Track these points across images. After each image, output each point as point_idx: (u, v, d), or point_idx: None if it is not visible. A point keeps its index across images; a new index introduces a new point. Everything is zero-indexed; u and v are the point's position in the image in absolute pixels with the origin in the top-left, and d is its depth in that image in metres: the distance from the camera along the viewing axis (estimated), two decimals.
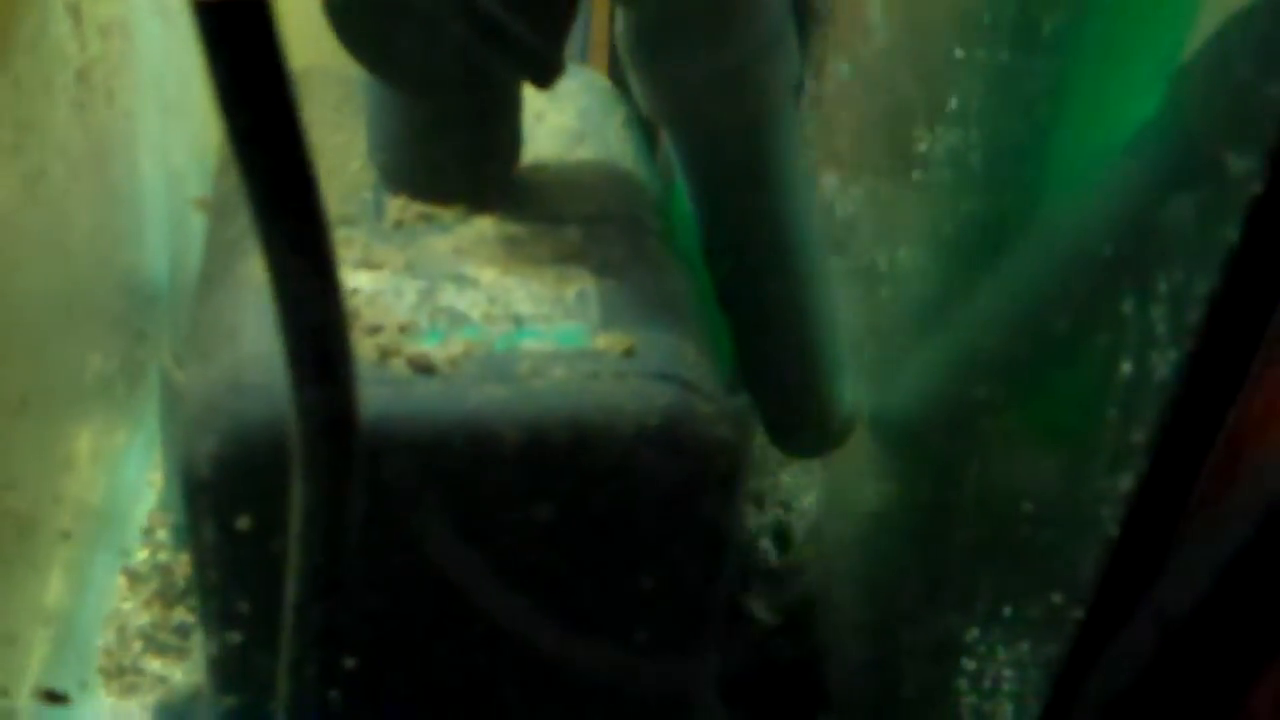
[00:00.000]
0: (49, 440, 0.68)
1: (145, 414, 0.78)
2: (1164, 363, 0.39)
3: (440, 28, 0.47)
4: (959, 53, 0.56)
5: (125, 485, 0.76)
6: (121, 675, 0.70)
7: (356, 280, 0.48)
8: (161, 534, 0.75)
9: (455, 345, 0.46)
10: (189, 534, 0.46)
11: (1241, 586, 0.36)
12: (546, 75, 0.49)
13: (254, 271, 0.48)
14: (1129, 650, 0.41)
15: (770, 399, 0.62)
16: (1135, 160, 0.48)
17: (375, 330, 0.46)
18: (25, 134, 0.57)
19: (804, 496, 0.74)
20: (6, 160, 0.55)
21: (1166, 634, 0.39)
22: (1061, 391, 0.48)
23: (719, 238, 0.58)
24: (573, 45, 0.71)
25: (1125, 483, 0.40)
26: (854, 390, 0.63)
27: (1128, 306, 0.41)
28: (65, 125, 0.61)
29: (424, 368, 0.45)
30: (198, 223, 0.58)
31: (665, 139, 0.57)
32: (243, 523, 0.44)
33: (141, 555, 0.75)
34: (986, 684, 0.49)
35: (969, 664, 0.50)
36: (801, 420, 0.63)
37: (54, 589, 0.69)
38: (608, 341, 0.47)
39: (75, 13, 0.62)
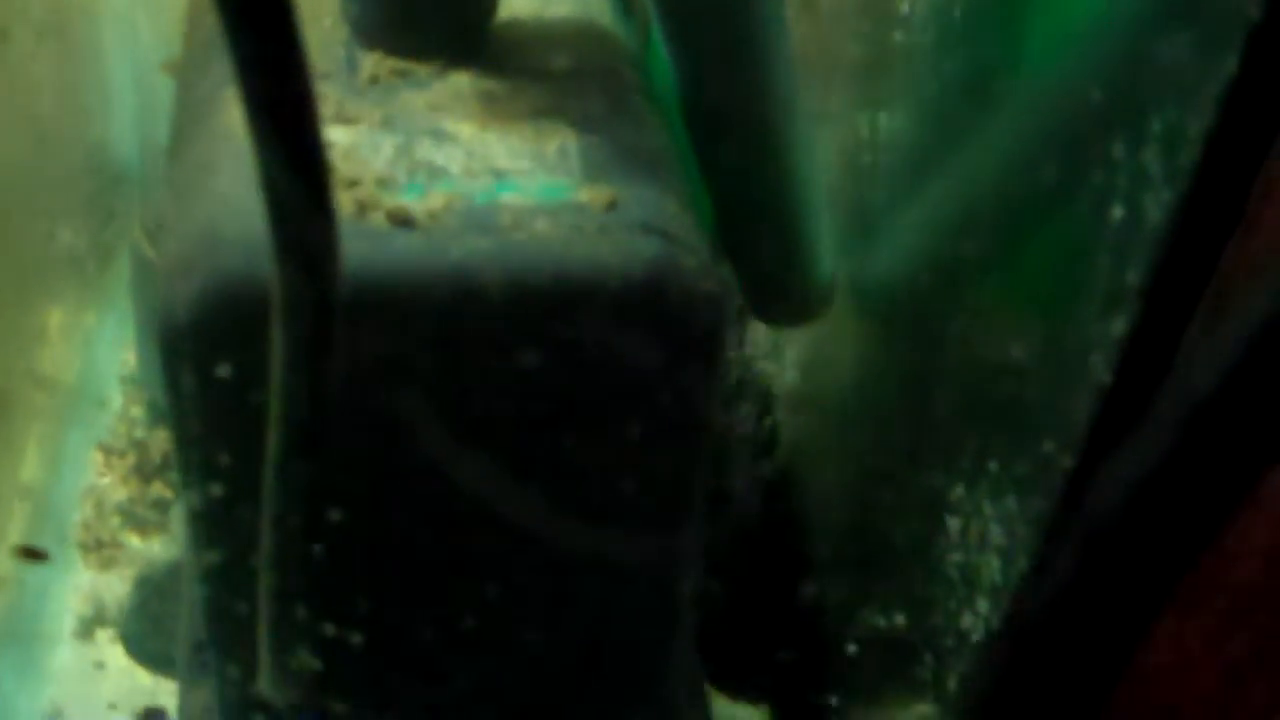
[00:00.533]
0: (18, 314, 0.67)
1: (116, 295, 0.77)
2: (1157, 205, 0.38)
3: None
4: None
5: (98, 363, 0.75)
6: (100, 549, 0.70)
7: (331, 135, 0.47)
8: (136, 411, 0.74)
9: (435, 199, 0.45)
10: (167, 388, 0.45)
11: (1229, 412, 0.36)
12: None
13: (226, 124, 0.47)
14: (1112, 487, 0.41)
15: (750, 266, 0.62)
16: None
17: (352, 184, 0.45)
18: None
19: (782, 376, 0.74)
20: None
21: (1154, 469, 0.39)
22: (1050, 241, 0.47)
23: (698, 97, 0.57)
24: None
25: (1118, 327, 0.39)
26: (834, 257, 0.63)
27: (1118, 150, 0.40)
28: None
29: (403, 221, 0.44)
30: (166, 98, 0.56)
31: None
32: (222, 371, 0.43)
33: (118, 432, 0.74)
34: (973, 540, 0.49)
35: (954, 522, 0.50)
36: (782, 288, 0.63)
37: (29, 464, 0.68)
38: (590, 195, 0.46)
39: None
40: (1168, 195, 0.37)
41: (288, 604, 0.45)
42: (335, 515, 0.44)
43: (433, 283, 0.44)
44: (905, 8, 0.59)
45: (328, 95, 0.49)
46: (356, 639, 0.50)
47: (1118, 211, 0.40)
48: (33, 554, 0.62)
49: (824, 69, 0.65)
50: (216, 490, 0.46)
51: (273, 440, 0.41)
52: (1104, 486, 0.38)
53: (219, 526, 0.47)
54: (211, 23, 0.33)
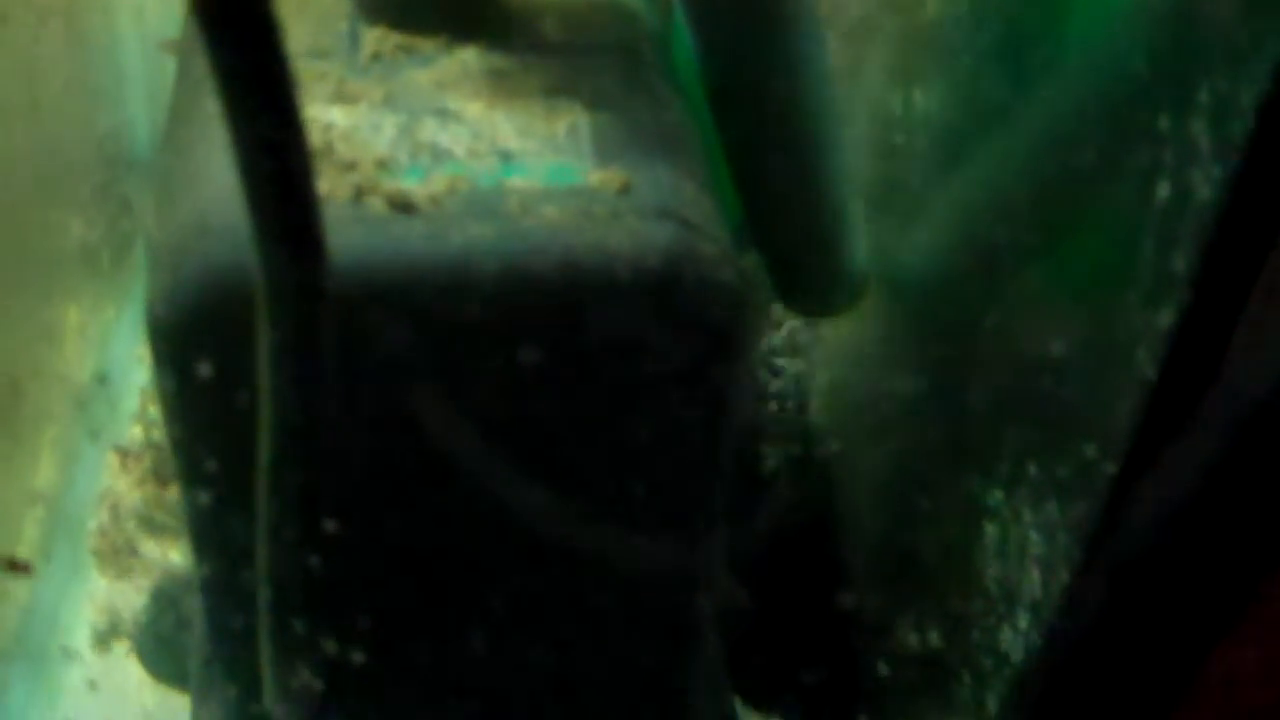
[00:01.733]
0: (32, 312, 0.65)
1: (134, 288, 0.75)
2: (1206, 181, 0.35)
3: None
4: None
5: (114, 361, 0.73)
6: (115, 556, 0.68)
7: (330, 115, 0.45)
8: (153, 411, 0.72)
9: (437, 182, 0.43)
10: (157, 388, 0.43)
11: None
12: None
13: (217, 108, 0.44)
14: (1164, 500, 0.38)
15: (778, 253, 0.59)
16: None
17: (350, 167, 0.43)
18: None
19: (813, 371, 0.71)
20: None
21: (1207, 480, 0.36)
22: (1091, 225, 0.45)
23: (722, 75, 0.54)
24: None
25: (1164, 318, 0.36)
26: (866, 244, 0.60)
27: (1164, 122, 0.37)
28: None
29: (403, 205, 0.42)
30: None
31: None
32: (208, 371, 0.41)
33: (134, 434, 0.72)
34: (1012, 550, 0.46)
35: (992, 529, 0.47)
36: (812, 276, 0.60)
37: (43, 467, 0.66)
38: (601, 178, 0.43)
39: None
40: (1218, 171, 0.35)
41: (287, 618, 0.43)
42: (333, 523, 0.41)
43: (433, 271, 0.41)
44: None
45: (328, 73, 0.47)
46: (360, 654, 0.47)
47: (1163, 190, 0.37)
48: (15, 566, 0.59)
49: (854, 40, 0.63)
50: (209, 497, 0.44)
51: (264, 443, 0.38)
52: (1141, 504, 0.35)
53: (215, 535, 0.45)
54: None
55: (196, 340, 0.41)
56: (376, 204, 0.42)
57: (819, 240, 0.58)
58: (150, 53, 0.69)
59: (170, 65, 0.57)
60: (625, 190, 0.43)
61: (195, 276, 0.41)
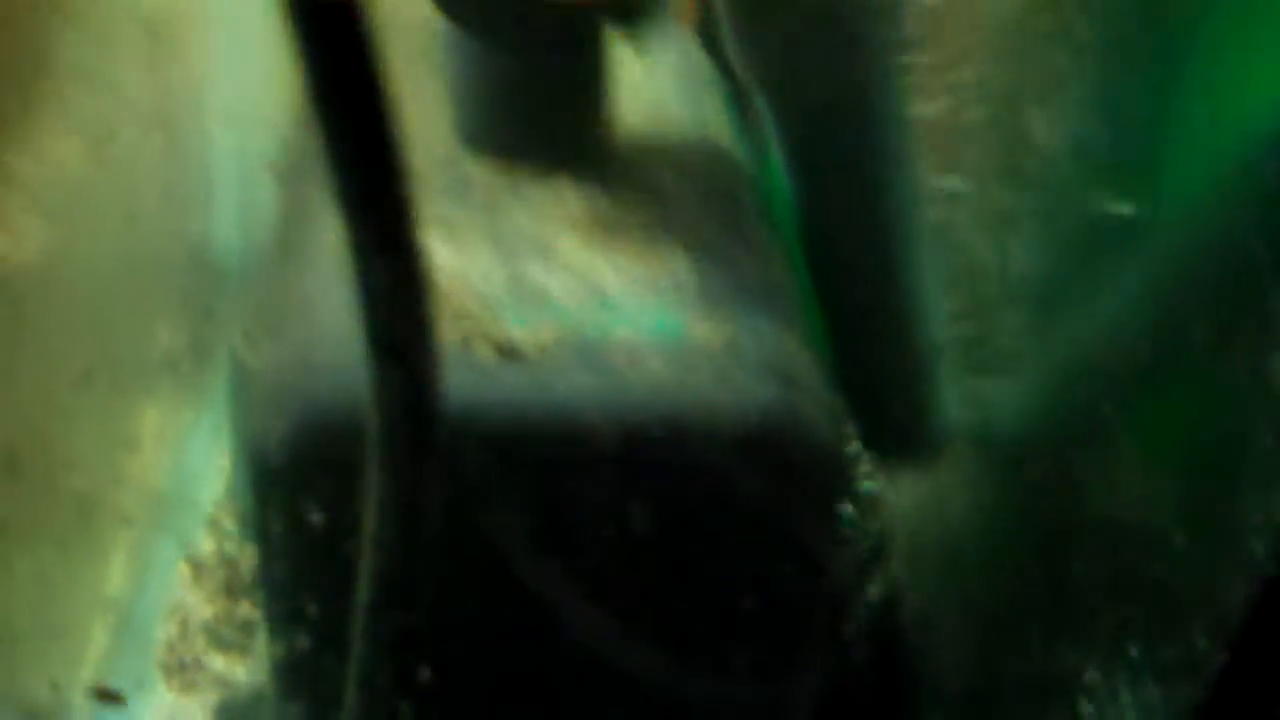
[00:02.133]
0: (112, 418, 0.65)
1: (213, 395, 0.75)
2: None
3: None
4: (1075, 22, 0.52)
5: (191, 469, 0.73)
6: (183, 671, 0.67)
7: (437, 254, 0.45)
8: (228, 523, 0.72)
9: (543, 329, 0.43)
10: (256, 524, 0.43)
11: None
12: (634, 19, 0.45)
13: (329, 241, 0.45)
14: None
15: (868, 400, 0.59)
16: None
17: (458, 309, 0.43)
18: (93, 91, 0.54)
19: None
20: (73, 120, 0.52)
21: None
22: (1201, 402, 0.44)
23: (818, 219, 0.55)
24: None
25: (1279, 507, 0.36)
26: (955, 395, 0.59)
27: (1277, 301, 0.37)
28: (135, 83, 0.58)
29: (510, 353, 0.42)
30: (269, 192, 0.55)
31: (761, 108, 0.53)
32: (314, 515, 0.41)
33: (207, 544, 0.72)
34: None
35: (1087, 708, 0.46)
36: (901, 425, 0.59)
37: (114, 576, 0.66)
38: (704, 331, 0.43)
39: None
40: None
41: None
42: (428, 672, 0.41)
43: (539, 423, 0.41)
44: (1042, 128, 0.56)
45: (433, 207, 0.47)
46: None
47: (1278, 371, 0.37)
48: (107, 696, 0.59)
49: (949, 185, 0.62)
50: (302, 641, 0.43)
51: (363, 586, 0.38)
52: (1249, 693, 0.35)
53: (303, 678, 0.45)
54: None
55: (300, 479, 0.41)
56: (484, 350, 0.42)
57: (906, 386, 0.58)
58: (245, 162, 0.70)
59: (263, 177, 0.57)
60: (729, 345, 0.43)
61: (301, 415, 0.41)
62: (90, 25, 0.53)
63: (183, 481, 0.72)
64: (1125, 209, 0.51)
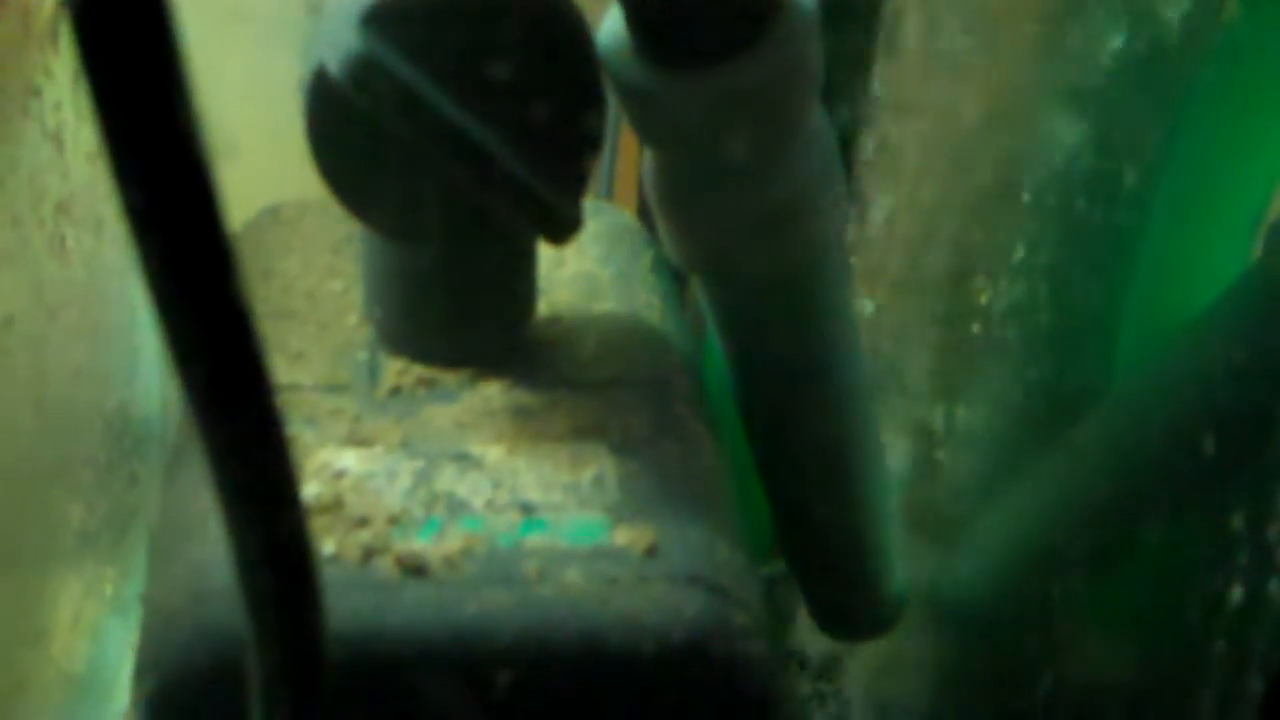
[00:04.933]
0: (26, 607, 0.62)
1: (134, 566, 0.72)
2: None
3: (436, 170, 0.42)
4: (1026, 198, 0.51)
5: (110, 652, 0.70)
6: None
7: (343, 460, 0.43)
8: None
9: (453, 540, 0.40)
10: None
11: None
12: (562, 231, 0.43)
13: None
14: None
15: (815, 577, 0.56)
16: (1226, 327, 0.42)
17: (361, 523, 0.40)
18: None
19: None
20: None
21: None
22: (1152, 608, 0.42)
23: (757, 399, 0.52)
24: (597, 177, 0.66)
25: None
26: (904, 567, 0.57)
27: (1238, 521, 0.35)
28: (40, 263, 0.56)
29: (415, 569, 0.39)
30: None
31: (696, 289, 0.51)
32: None
33: None
34: None
35: None
36: (849, 600, 0.57)
37: None
38: (627, 536, 0.41)
39: (57, 140, 0.57)
40: None
41: None
42: None
43: (443, 645, 0.38)
44: (986, 298, 0.54)
45: (343, 409, 0.45)
46: None
47: (1236, 594, 0.34)
48: None
49: (898, 355, 0.61)
50: None
51: None
52: None
53: None
54: None
55: (187, 710, 0.38)
56: (386, 565, 0.39)
57: (856, 563, 0.55)
58: None
59: None
60: (652, 551, 0.40)
61: (188, 643, 0.38)
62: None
63: (100, 667, 0.69)
64: (1072, 385, 0.50)
